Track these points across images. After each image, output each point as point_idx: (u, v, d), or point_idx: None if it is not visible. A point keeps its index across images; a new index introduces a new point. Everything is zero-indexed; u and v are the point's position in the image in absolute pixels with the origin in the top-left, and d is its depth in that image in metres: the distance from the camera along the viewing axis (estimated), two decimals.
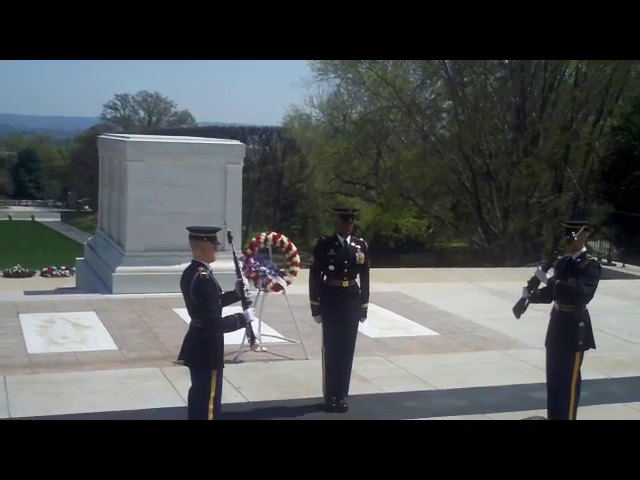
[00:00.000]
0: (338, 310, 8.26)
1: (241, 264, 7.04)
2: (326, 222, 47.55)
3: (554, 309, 7.70)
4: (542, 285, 7.65)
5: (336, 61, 39.23)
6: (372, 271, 8.73)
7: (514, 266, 27.38)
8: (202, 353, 6.31)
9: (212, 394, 6.32)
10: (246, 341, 7.97)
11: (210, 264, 6.36)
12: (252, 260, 10.21)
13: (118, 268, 13.66)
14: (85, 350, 10.16)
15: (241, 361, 9.81)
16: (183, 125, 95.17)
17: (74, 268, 17.05)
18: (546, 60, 32.92)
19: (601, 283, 7.70)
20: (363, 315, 8.56)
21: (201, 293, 6.20)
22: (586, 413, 7.82)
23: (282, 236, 10.50)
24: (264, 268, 10.18)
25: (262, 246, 10.39)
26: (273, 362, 10.02)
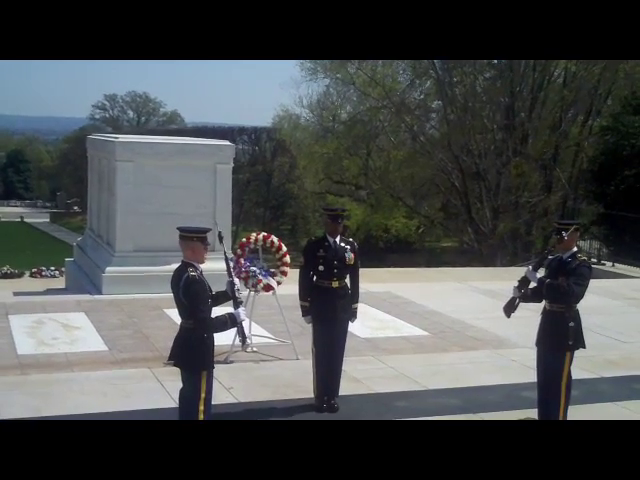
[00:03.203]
0: (328, 310, 8.25)
1: (232, 264, 7.04)
2: (316, 222, 47.53)
3: (545, 309, 7.71)
4: (532, 285, 7.67)
5: (325, 61, 39.28)
6: (362, 271, 8.73)
7: (504, 266, 27.52)
8: (192, 354, 6.30)
9: (203, 395, 6.31)
10: (237, 341, 7.96)
11: (200, 265, 6.36)
12: (242, 260, 10.20)
13: (108, 269, 13.61)
14: (75, 351, 10.12)
15: (232, 361, 9.80)
16: (172, 125, 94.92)
17: (63, 269, 17.00)
18: (535, 60, 33.01)
19: (591, 283, 7.71)
20: (353, 315, 8.56)
21: (190, 293, 6.20)
22: (576, 412, 7.83)
23: (272, 236, 10.50)
24: (254, 268, 10.18)
25: (252, 246, 10.39)
26: (264, 362, 10.01)
